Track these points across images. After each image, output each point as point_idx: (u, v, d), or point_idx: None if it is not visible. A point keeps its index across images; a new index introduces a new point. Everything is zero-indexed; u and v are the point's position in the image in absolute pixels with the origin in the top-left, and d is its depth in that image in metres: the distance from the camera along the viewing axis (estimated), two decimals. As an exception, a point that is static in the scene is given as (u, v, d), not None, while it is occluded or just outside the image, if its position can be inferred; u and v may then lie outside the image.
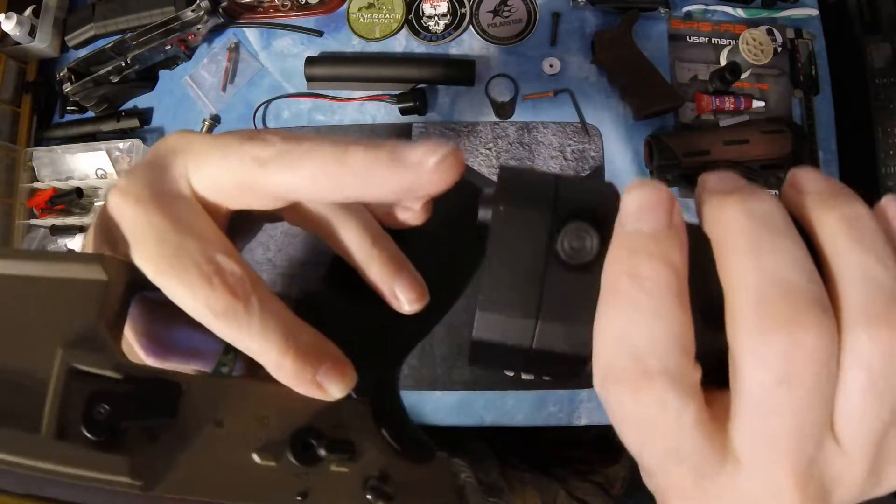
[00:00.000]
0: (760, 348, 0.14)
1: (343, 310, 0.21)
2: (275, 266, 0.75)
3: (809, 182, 0.17)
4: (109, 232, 0.18)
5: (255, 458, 0.16)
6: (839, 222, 0.16)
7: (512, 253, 0.16)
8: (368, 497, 0.17)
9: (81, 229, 0.79)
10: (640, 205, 0.17)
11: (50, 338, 0.15)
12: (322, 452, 0.17)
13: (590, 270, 0.16)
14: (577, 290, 0.16)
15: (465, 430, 0.81)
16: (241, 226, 0.21)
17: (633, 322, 0.15)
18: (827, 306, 0.15)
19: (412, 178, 0.17)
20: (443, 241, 0.21)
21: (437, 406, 0.72)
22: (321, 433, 0.17)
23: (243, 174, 0.18)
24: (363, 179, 0.17)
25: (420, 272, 0.21)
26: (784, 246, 0.15)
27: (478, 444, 0.82)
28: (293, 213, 0.20)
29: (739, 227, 0.16)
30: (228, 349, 0.19)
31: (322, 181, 0.18)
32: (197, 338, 0.19)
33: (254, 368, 0.18)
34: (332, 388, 0.18)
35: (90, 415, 0.14)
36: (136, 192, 0.18)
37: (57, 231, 0.80)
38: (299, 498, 0.16)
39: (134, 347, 0.20)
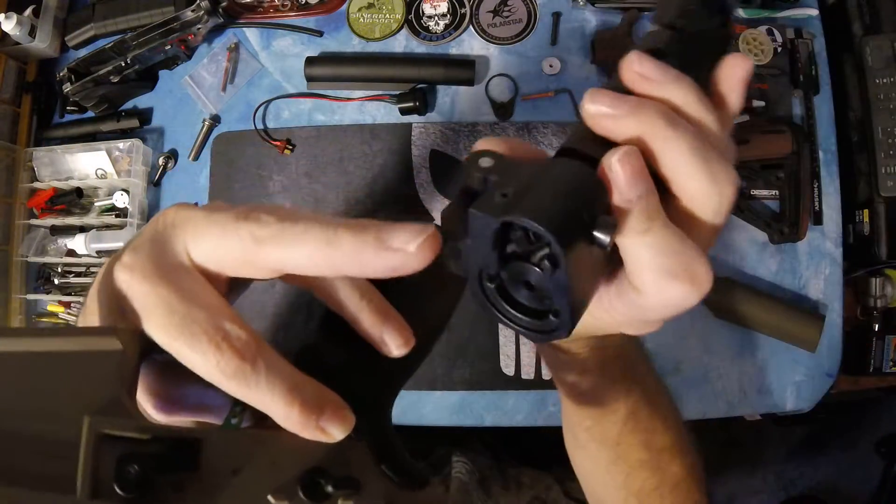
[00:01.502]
0: None
1: (338, 358, 0.23)
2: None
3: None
4: (117, 303, 0.20)
5: (271, 499, 0.18)
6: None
7: (578, 272, 0.22)
8: None
9: (81, 229, 0.79)
10: (630, 176, 0.22)
11: (76, 406, 0.16)
12: (330, 489, 0.18)
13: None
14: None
15: (464, 430, 0.81)
16: (234, 284, 0.23)
17: (668, 241, 0.23)
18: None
19: (396, 260, 0.20)
20: (420, 287, 0.24)
21: (437, 406, 0.72)
22: (327, 472, 0.19)
23: (241, 251, 0.20)
24: (352, 260, 0.20)
25: (402, 317, 0.23)
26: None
27: (475, 443, 0.82)
28: (287, 276, 0.22)
29: (676, 139, 0.23)
30: (237, 403, 0.21)
31: (315, 260, 0.20)
32: (203, 394, 0.21)
33: (261, 419, 0.20)
34: (335, 431, 0.20)
35: (122, 474, 0.16)
36: (141, 267, 0.20)
37: (57, 231, 0.80)
38: None
39: (143, 405, 0.21)
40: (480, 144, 0.25)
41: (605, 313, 0.28)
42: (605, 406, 0.38)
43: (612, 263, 0.25)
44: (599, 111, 0.23)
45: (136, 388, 0.20)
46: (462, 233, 0.23)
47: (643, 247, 0.22)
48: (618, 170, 0.21)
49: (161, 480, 0.16)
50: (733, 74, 0.25)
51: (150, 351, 0.20)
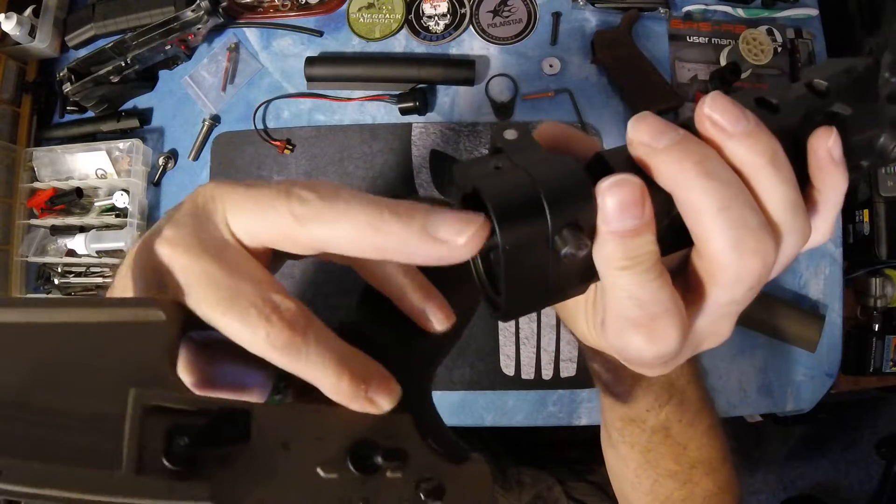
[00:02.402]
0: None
1: (380, 334, 0.23)
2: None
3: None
4: (158, 279, 0.20)
5: (320, 472, 0.18)
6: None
7: (523, 267, 0.20)
8: (422, 496, 0.18)
9: (81, 229, 0.79)
10: (619, 205, 0.19)
11: (120, 378, 0.16)
12: (378, 461, 0.18)
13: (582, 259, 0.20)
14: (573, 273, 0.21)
15: (464, 430, 0.80)
16: (276, 257, 0.24)
17: (640, 287, 0.20)
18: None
19: (444, 251, 0.19)
20: (456, 268, 0.23)
21: (437, 406, 0.72)
22: (375, 444, 0.19)
23: (282, 228, 0.20)
24: (398, 248, 0.19)
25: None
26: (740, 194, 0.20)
27: (476, 443, 0.82)
28: (328, 253, 0.21)
29: (704, 192, 0.20)
30: (280, 380, 0.21)
31: (359, 243, 0.19)
32: (242, 372, 0.21)
33: (304, 395, 0.20)
34: (383, 402, 0.20)
35: (170, 447, 0.15)
36: (183, 241, 0.20)
37: (57, 231, 0.80)
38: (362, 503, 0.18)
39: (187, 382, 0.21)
40: (541, 128, 0.23)
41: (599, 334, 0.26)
42: (635, 413, 0.37)
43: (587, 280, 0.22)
44: (637, 137, 0.21)
45: (177, 362, 0.20)
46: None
47: (613, 284, 0.21)
48: (606, 195, 0.19)
49: (210, 454, 0.16)
50: (819, 147, 0.21)
51: (191, 327, 0.19)
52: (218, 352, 0.20)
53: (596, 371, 0.37)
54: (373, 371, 0.20)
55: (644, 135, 0.21)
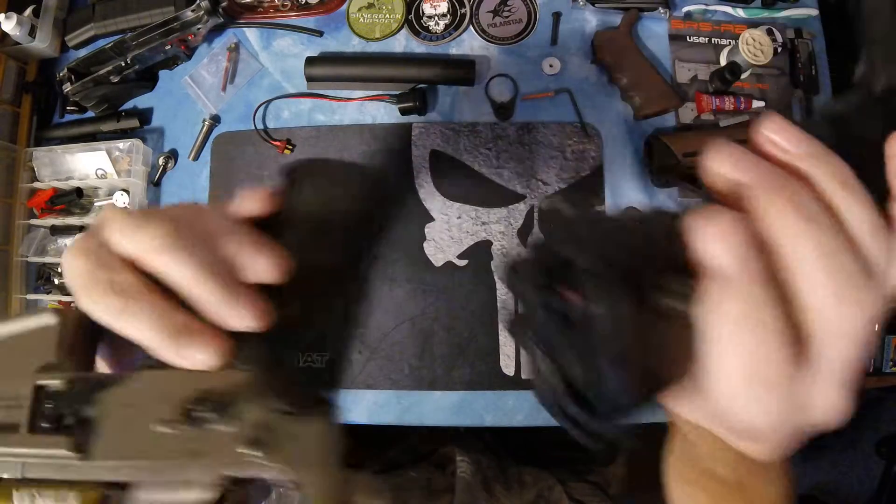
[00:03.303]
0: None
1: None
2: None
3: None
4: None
5: (157, 427, 0.21)
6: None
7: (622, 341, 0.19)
8: (244, 447, 0.21)
9: (81, 229, 0.79)
10: (732, 255, 0.18)
11: (27, 369, 0.22)
12: (210, 416, 0.22)
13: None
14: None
15: (465, 430, 0.80)
16: None
17: (762, 339, 0.19)
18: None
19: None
20: (329, 229, 0.27)
21: (437, 406, 0.72)
22: (208, 401, 0.22)
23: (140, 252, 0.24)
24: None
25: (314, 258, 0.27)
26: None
27: (476, 443, 0.82)
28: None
29: (804, 236, 0.18)
30: (148, 356, 0.24)
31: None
32: (139, 356, 0.24)
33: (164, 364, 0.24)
34: (199, 356, 0.23)
35: (43, 412, 0.21)
36: (72, 249, 0.24)
37: (57, 231, 0.80)
38: (191, 455, 0.21)
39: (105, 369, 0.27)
40: (717, 152, 0.22)
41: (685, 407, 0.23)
42: (710, 466, 0.33)
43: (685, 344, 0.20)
44: (719, 169, 0.20)
45: (84, 350, 0.25)
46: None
47: (726, 341, 0.19)
48: (702, 230, 0.18)
49: (71, 416, 0.22)
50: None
51: (88, 322, 0.24)
52: (125, 346, 0.24)
53: (680, 428, 0.33)
54: (194, 329, 0.23)
55: (727, 166, 0.20)
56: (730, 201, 0.20)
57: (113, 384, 0.22)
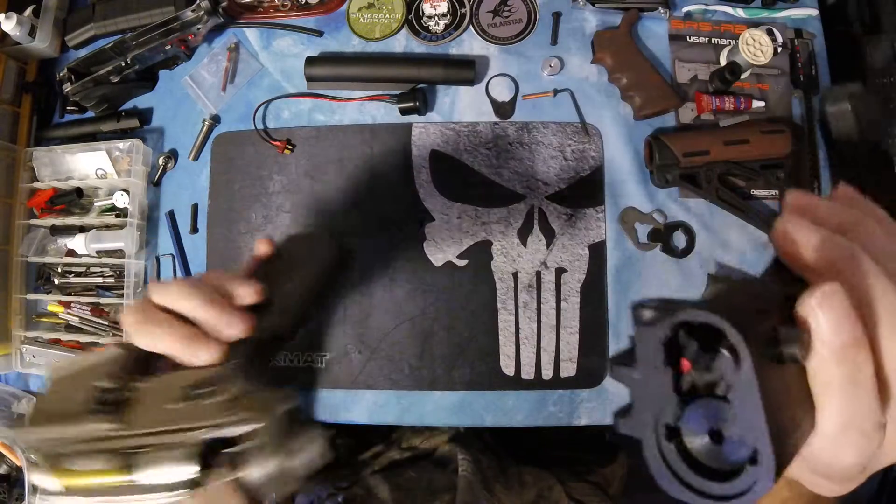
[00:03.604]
0: None
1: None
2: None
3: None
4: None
5: (168, 405, 0.32)
6: None
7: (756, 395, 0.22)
8: (225, 413, 0.32)
9: (81, 229, 0.79)
10: (835, 324, 0.22)
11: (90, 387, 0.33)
12: (205, 392, 0.32)
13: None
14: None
15: (465, 430, 0.80)
16: None
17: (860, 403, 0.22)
18: None
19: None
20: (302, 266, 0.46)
21: (437, 406, 0.72)
22: (204, 385, 0.33)
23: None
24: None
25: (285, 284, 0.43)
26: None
27: (476, 442, 0.82)
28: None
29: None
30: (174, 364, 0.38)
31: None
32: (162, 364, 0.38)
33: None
34: (204, 356, 0.36)
35: (98, 400, 0.33)
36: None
37: (57, 231, 0.80)
38: (190, 419, 0.32)
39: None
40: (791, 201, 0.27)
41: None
42: None
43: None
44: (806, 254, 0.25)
45: (146, 367, 0.36)
46: (630, 369, 0.25)
47: (832, 418, 0.23)
48: (818, 309, 0.22)
49: (116, 403, 0.32)
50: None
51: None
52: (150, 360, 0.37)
53: None
54: (199, 338, 0.36)
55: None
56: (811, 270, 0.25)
57: (145, 382, 0.34)
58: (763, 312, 0.23)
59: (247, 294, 0.39)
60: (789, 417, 0.22)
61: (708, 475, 0.23)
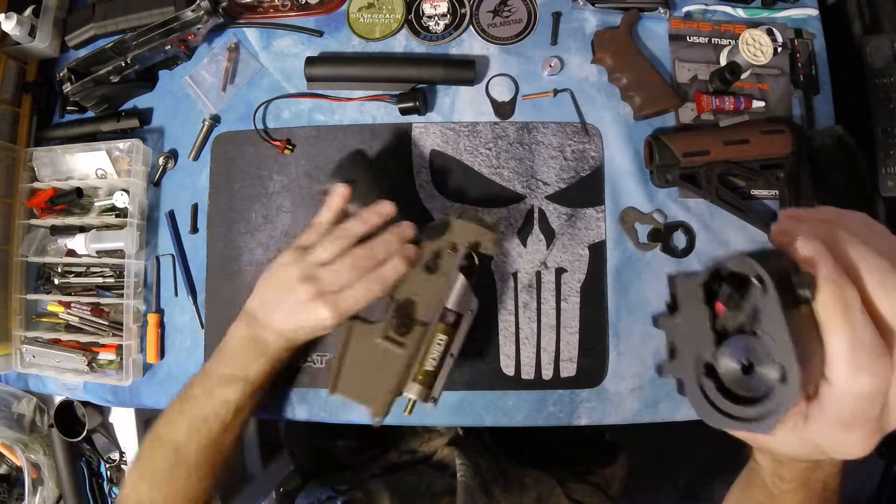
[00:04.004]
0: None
1: None
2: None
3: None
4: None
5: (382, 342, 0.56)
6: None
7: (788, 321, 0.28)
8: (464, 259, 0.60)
9: (81, 229, 0.79)
10: (822, 255, 0.29)
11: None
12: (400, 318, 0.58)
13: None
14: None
15: (465, 430, 0.80)
16: None
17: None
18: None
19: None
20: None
21: (437, 406, 0.72)
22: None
23: None
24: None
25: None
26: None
27: (475, 444, 0.82)
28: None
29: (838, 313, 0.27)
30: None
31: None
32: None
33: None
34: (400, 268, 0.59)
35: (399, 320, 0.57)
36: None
37: (57, 231, 0.80)
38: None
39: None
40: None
41: (805, 431, 0.30)
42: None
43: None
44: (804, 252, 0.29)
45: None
46: (672, 316, 0.31)
47: (840, 338, 0.27)
48: (806, 246, 0.29)
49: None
50: None
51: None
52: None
53: (760, 466, 0.42)
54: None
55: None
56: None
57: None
58: (777, 268, 0.28)
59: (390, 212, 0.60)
60: (805, 349, 0.27)
61: (742, 403, 0.27)
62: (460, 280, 0.59)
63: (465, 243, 0.60)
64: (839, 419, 0.28)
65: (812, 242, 0.28)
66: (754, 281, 0.27)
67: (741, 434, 0.31)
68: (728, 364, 0.28)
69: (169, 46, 0.76)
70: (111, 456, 0.88)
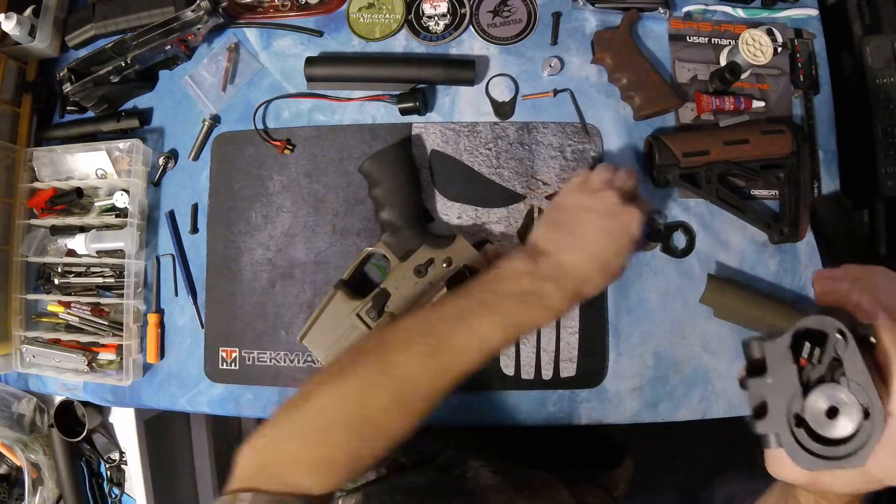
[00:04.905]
0: None
1: None
2: (275, 266, 0.75)
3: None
4: None
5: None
6: None
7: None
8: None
9: (82, 229, 0.79)
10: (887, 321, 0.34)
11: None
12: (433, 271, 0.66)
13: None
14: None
15: (472, 430, 0.80)
16: None
17: None
18: None
19: None
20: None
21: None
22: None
23: None
24: None
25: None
26: None
27: (485, 448, 0.82)
28: None
29: None
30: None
31: None
32: None
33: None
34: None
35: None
36: None
37: (57, 231, 0.80)
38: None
39: None
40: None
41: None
42: None
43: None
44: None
45: None
46: (760, 380, 0.35)
47: None
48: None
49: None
50: None
51: None
52: None
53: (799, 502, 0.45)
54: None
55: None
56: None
57: None
58: (846, 323, 0.33)
59: None
60: (877, 389, 0.31)
61: (832, 445, 0.32)
62: (443, 291, 0.66)
63: (460, 263, 0.67)
64: None
65: (865, 296, 0.34)
66: (836, 336, 0.32)
67: (805, 479, 0.36)
68: (816, 407, 0.33)
69: (169, 46, 0.76)
70: (111, 456, 0.88)
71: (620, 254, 0.53)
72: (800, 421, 0.33)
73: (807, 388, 0.33)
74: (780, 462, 0.37)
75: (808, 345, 0.33)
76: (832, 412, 0.32)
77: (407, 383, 0.49)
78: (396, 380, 0.49)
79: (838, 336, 0.33)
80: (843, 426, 0.32)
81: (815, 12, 0.76)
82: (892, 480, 0.33)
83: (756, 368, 0.35)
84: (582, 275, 0.52)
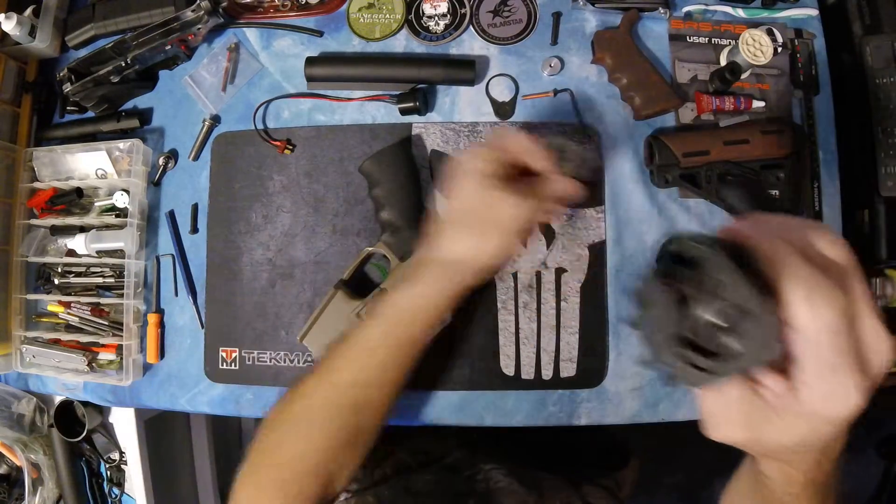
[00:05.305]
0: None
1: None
2: (275, 266, 0.75)
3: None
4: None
5: None
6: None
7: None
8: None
9: (82, 229, 0.79)
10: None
11: None
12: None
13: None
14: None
15: (477, 431, 0.80)
16: None
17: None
18: None
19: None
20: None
21: (437, 406, 0.72)
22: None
23: None
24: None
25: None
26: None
27: (489, 445, 0.82)
28: None
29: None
30: None
31: None
32: None
33: None
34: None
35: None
36: None
37: (57, 231, 0.80)
38: None
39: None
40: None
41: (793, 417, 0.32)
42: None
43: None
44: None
45: None
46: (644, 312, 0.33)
47: (791, 282, 0.29)
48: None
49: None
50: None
51: None
52: None
53: (770, 478, 0.41)
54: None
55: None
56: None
57: None
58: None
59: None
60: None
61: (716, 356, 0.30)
62: None
63: None
64: (821, 366, 0.29)
65: (754, 228, 0.32)
66: (708, 252, 0.30)
67: (742, 446, 0.35)
68: (702, 324, 0.30)
69: (169, 46, 0.76)
70: (111, 456, 0.88)
71: (490, 235, 0.56)
72: (688, 343, 0.31)
73: (690, 310, 0.31)
74: (715, 421, 0.35)
75: (683, 270, 0.31)
76: (721, 329, 0.30)
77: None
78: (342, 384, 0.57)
79: (704, 252, 0.30)
80: (733, 342, 0.30)
81: (815, 12, 0.76)
82: (836, 408, 0.30)
83: (640, 305, 0.34)
84: (454, 257, 0.56)
